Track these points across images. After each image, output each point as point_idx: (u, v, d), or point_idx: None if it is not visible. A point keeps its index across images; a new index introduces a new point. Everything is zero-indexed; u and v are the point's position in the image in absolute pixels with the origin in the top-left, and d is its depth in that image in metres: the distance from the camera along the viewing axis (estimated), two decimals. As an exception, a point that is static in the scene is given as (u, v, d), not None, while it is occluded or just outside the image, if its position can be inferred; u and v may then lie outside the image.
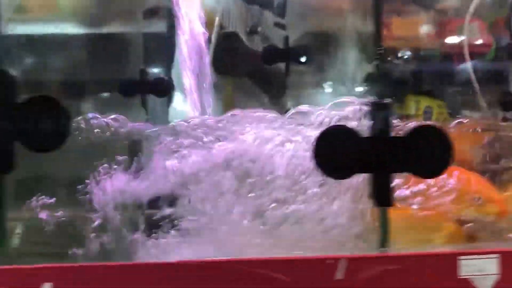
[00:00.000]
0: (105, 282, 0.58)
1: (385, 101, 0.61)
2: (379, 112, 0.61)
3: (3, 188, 0.63)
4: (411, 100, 1.40)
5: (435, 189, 0.69)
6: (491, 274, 0.59)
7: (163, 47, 1.25)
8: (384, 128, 0.60)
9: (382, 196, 0.61)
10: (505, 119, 1.14)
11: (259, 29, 1.34)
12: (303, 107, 0.74)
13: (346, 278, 0.58)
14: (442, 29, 1.48)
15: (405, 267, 0.60)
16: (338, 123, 0.66)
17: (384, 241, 0.63)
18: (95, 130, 0.73)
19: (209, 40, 1.12)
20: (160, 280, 0.58)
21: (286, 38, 1.37)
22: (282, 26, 1.37)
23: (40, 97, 0.58)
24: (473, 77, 1.18)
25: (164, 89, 1.26)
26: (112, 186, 0.70)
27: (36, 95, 0.58)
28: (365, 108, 0.65)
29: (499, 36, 1.38)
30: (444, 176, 0.68)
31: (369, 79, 1.18)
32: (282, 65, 1.31)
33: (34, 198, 0.70)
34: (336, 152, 0.60)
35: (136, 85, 1.25)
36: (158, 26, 1.27)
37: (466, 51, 1.24)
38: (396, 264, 0.60)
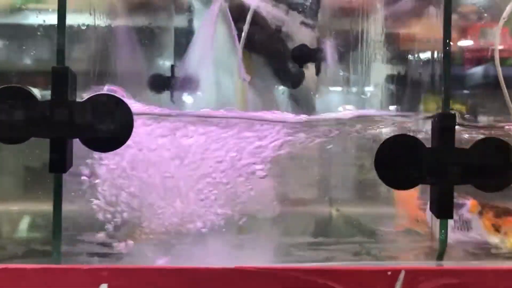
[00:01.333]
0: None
1: (450, 112, 0.60)
2: (443, 122, 0.60)
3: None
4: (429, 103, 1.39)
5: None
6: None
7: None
8: (448, 139, 0.60)
9: (443, 208, 0.60)
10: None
11: (284, 28, 1.33)
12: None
13: (404, 290, 0.57)
14: (464, 32, 1.46)
15: (464, 281, 0.59)
16: (400, 133, 0.65)
17: (443, 253, 0.62)
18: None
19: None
20: (218, 285, 0.58)
21: (318, 38, 1.35)
22: (311, 26, 1.36)
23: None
24: (502, 82, 1.17)
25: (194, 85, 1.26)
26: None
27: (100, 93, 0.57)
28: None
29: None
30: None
31: (389, 81, 1.18)
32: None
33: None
34: (398, 162, 0.59)
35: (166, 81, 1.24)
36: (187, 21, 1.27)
37: (496, 56, 1.22)
38: (455, 278, 0.59)
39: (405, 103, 1.09)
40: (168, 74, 1.25)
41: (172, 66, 1.27)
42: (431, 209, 0.61)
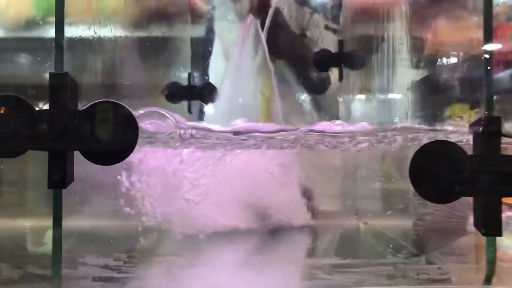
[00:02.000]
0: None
1: (495, 116, 0.53)
2: (487, 127, 0.53)
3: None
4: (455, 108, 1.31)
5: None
6: None
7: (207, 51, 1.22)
8: (493, 145, 0.52)
9: (490, 224, 0.53)
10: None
11: (308, 32, 1.28)
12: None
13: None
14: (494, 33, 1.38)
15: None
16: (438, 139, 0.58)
17: (491, 276, 0.55)
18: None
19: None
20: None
21: (341, 42, 1.30)
22: (334, 30, 1.30)
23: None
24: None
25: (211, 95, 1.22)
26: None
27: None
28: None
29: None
30: None
31: (417, 87, 1.11)
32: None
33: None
34: (436, 172, 0.53)
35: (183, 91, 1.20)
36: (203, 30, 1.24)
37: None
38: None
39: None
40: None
41: (189, 75, 1.23)
42: (475, 225, 0.54)
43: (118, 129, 0.52)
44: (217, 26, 1.24)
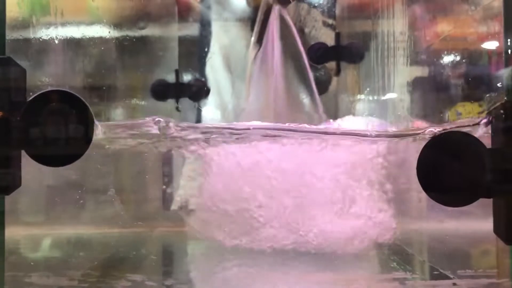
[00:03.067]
0: None
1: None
2: (510, 115, 0.44)
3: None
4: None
5: None
6: None
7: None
8: (516, 136, 0.44)
9: (514, 230, 0.44)
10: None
11: (306, 28, 1.21)
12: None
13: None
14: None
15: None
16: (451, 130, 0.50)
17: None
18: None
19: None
20: None
21: (337, 35, 1.23)
22: (332, 26, 1.23)
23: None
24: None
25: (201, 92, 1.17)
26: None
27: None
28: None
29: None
30: None
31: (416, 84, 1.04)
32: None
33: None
34: (449, 169, 0.44)
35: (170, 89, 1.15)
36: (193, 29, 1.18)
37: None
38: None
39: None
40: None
41: (177, 71, 1.17)
42: (496, 231, 0.45)
43: (69, 125, 0.44)
44: (213, 26, 1.19)
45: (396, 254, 0.66)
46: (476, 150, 0.43)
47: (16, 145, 0.44)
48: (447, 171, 0.44)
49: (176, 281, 0.60)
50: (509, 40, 0.49)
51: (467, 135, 0.45)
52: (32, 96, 0.44)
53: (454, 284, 0.50)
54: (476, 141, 0.44)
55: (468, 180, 0.44)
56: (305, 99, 1.04)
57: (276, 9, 1.03)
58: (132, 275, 0.57)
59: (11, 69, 0.44)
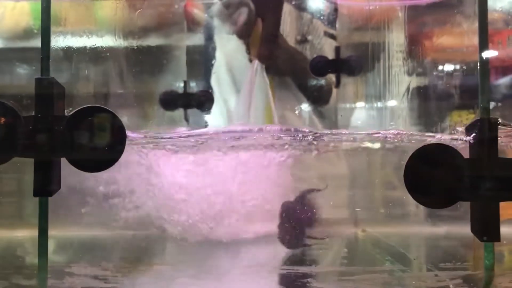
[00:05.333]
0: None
1: (492, 117, 0.52)
2: (484, 129, 0.51)
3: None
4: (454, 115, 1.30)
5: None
6: None
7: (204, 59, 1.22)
8: (490, 148, 0.51)
9: (488, 229, 0.51)
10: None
11: (309, 37, 1.27)
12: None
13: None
14: (491, 40, 1.36)
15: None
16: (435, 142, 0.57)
17: (489, 283, 0.53)
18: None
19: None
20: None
21: (337, 49, 1.29)
22: (333, 36, 1.29)
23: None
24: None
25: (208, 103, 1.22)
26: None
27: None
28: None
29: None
30: None
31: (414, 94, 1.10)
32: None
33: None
34: (431, 176, 0.51)
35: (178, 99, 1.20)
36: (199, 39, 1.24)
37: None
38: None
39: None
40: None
41: (185, 82, 1.22)
42: (473, 230, 0.52)
43: (105, 135, 0.51)
44: (216, 36, 1.24)
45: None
46: (456, 160, 0.50)
47: (58, 153, 0.51)
48: (430, 178, 0.51)
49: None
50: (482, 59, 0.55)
51: (448, 147, 0.52)
52: (73, 111, 0.51)
53: (436, 275, 0.57)
54: (456, 152, 0.51)
55: (447, 185, 0.51)
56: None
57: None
58: None
59: (54, 87, 0.52)
